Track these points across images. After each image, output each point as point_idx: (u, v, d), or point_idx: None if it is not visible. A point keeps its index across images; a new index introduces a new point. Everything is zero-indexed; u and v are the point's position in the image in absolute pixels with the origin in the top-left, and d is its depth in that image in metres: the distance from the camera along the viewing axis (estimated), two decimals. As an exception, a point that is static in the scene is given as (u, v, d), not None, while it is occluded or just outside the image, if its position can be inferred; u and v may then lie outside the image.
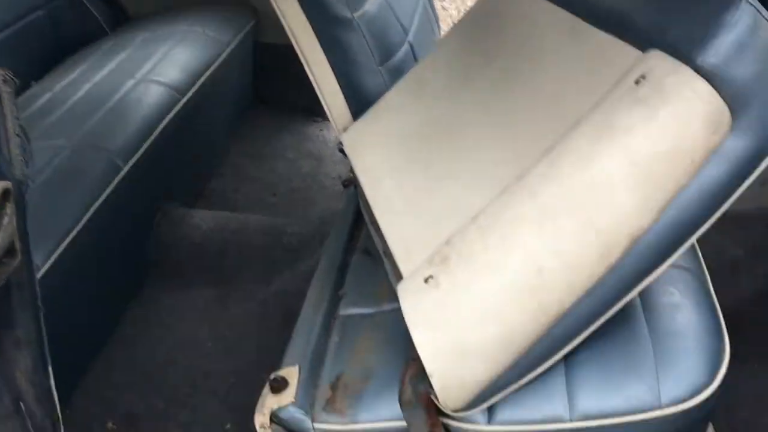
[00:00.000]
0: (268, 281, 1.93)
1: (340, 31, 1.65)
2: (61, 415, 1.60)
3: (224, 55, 2.30)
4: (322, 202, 2.37)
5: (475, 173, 1.26)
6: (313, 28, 1.65)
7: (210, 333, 1.82)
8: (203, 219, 2.00)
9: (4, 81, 0.78)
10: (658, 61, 0.97)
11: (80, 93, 1.96)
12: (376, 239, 1.48)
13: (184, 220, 1.99)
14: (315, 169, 2.57)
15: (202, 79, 2.12)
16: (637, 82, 0.95)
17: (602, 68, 1.07)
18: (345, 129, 1.76)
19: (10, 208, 0.82)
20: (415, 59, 1.85)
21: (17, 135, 0.81)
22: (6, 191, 0.80)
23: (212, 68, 2.19)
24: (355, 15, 1.65)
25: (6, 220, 0.81)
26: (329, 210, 2.31)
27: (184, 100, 2.02)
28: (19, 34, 2.27)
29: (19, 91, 2.21)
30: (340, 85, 1.72)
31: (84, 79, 2.06)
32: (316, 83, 1.73)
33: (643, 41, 1.02)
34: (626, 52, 1.04)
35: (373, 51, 1.69)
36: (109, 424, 1.58)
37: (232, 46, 2.38)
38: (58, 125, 1.79)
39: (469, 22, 1.67)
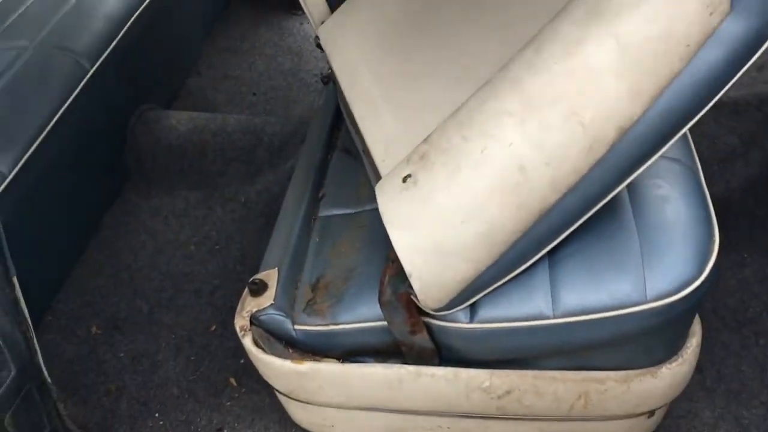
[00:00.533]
0: (250, 182, 1.88)
1: None
2: (45, 320, 1.60)
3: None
4: (303, 100, 2.29)
5: (456, 66, 1.19)
6: None
7: (193, 235, 1.79)
8: (180, 120, 1.92)
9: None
10: (653, -66, 0.88)
11: (39, -10, 1.84)
12: (356, 138, 1.43)
13: (160, 121, 1.92)
14: (295, 65, 2.48)
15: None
16: (628, -41, 0.87)
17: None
18: (322, 22, 1.67)
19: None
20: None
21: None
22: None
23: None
24: None
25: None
26: (311, 108, 2.23)
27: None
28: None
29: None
30: (315, -26, 1.61)
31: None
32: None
33: None
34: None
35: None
36: (93, 329, 1.58)
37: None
38: (20, 25, 1.69)
39: None
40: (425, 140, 1.05)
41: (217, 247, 1.76)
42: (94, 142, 1.72)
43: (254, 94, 2.33)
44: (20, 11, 1.74)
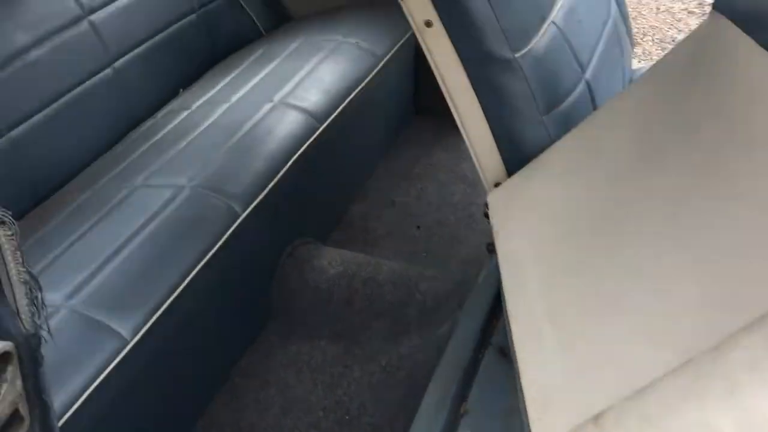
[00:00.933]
0: (394, 342, 1.70)
1: (497, 73, 1.36)
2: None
3: (375, 72, 2.08)
4: (469, 241, 2.10)
5: (652, 310, 0.94)
6: (464, 66, 1.37)
7: (324, 397, 1.63)
8: (332, 261, 1.80)
9: (2, 222, 0.60)
10: None
11: (214, 116, 1.82)
12: (512, 347, 1.20)
13: (312, 261, 1.80)
14: (467, 197, 2.30)
15: (345, 103, 1.91)
16: None
17: None
18: (495, 184, 1.48)
19: (11, 372, 0.66)
20: (593, 102, 1.51)
21: (23, 282, 0.64)
22: (5, 354, 0.64)
23: (359, 89, 1.98)
24: (518, 55, 1.35)
25: (5, 387, 0.65)
26: (476, 254, 2.03)
27: (322, 128, 1.82)
28: (172, 37, 2.19)
29: (167, 100, 2.14)
30: (493, 135, 1.43)
31: (222, 98, 1.92)
32: (464, 130, 1.46)
33: None
34: None
35: (536, 97, 1.38)
36: (200, 503, 1.45)
37: (387, 59, 2.15)
38: (183, 159, 1.66)
39: (675, 64, 1.30)
40: (595, 420, 0.80)
41: (347, 417, 1.58)
42: (237, 285, 1.63)
43: (418, 227, 2.17)
44: (183, 144, 1.72)
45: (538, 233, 1.21)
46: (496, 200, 1.41)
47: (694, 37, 1.28)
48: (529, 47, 1.37)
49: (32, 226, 1.56)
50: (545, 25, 1.44)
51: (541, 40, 1.41)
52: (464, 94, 1.41)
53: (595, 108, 1.51)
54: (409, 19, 1.39)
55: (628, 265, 1.02)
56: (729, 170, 1.00)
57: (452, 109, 1.45)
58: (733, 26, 1.13)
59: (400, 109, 2.50)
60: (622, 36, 1.89)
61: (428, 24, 1.37)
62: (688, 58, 1.26)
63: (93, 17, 1.96)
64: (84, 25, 1.94)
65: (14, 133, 1.71)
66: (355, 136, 2.10)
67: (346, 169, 2.14)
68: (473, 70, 1.37)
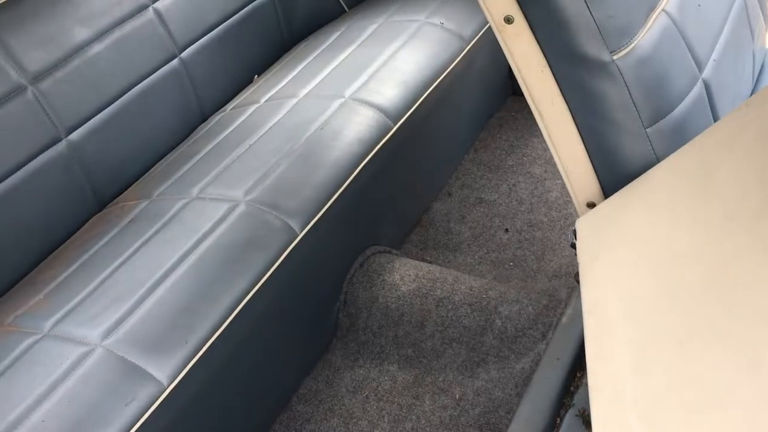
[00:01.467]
0: (470, 373, 1.52)
1: (590, 78, 1.13)
2: None
3: (461, 57, 1.86)
4: (563, 251, 1.87)
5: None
6: (551, 70, 1.15)
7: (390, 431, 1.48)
8: (405, 277, 1.63)
9: None
10: None
11: (279, 115, 1.67)
12: (593, 424, 1.00)
13: (383, 275, 1.64)
14: (565, 194, 2.05)
15: (423, 97, 1.71)
16: None
17: None
18: (588, 205, 1.26)
19: None
20: (712, 109, 1.25)
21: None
22: None
23: (440, 79, 1.77)
24: (617, 57, 1.11)
25: None
26: (568, 266, 1.80)
27: (396, 127, 1.63)
28: (245, 20, 2.05)
29: (241, 88, 2.01)
30: (586, 149, 1.21)
31: (291, 92, 1.76)
32: (552, 143, 1.24)
33: None
34: None
35: (638, 106, 1.14)
36: None
37: (474, 41, 1.93)
38: (242, 167, 1.51)
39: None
40: None
41: (414, 457, 1.43)
42: (296, 309, 1.49)
43: (507, 230, 1.96)
44: (245, 149, 1.57)
45: (632, 285, 0.99)
46: (585, 229, 1.20)
47: None
48: (631, 46, 1.12)
49: (85, 242, 1.48)
50: (654, 16, 1.18)
51: (647, 35, 1.15)
52: (551, 102, 1.18)
53: (714, 116, 1.25)
54: (486, 13, 1.17)
55: (747, 354, 0.79)
56: None
57: (537, 119, 1.23)
58: None
59: (492, 92, 2.26)
60: (754, 13, 1.58)
61: (508, 20, 1.15)
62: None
63: (158, 5, 1.84)
64: (149, 13, 1.82)
65: (73, 136, 1.62)
66: (437, 130, 1.90)
67: (427, 167, 1.95)
68: (562, 75, 1.15)
